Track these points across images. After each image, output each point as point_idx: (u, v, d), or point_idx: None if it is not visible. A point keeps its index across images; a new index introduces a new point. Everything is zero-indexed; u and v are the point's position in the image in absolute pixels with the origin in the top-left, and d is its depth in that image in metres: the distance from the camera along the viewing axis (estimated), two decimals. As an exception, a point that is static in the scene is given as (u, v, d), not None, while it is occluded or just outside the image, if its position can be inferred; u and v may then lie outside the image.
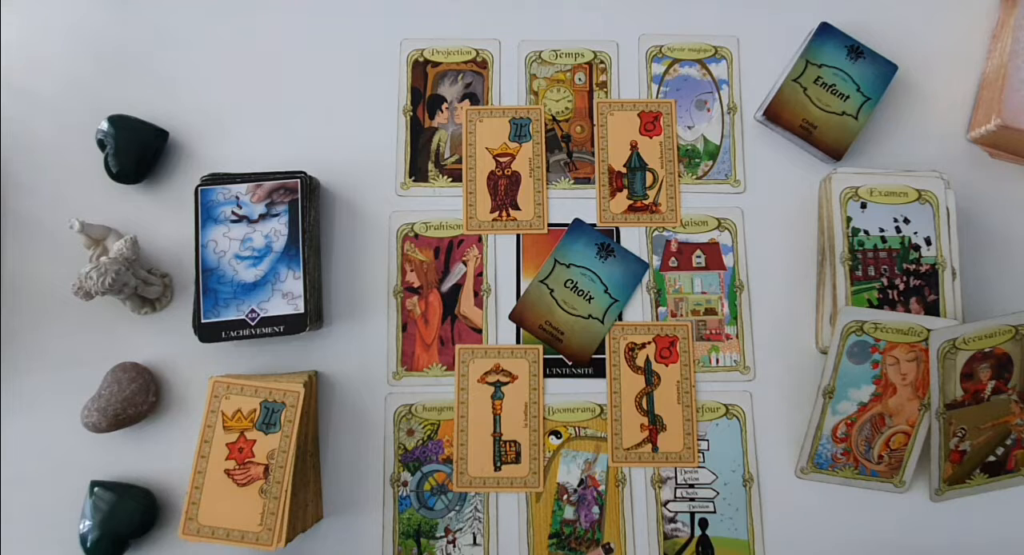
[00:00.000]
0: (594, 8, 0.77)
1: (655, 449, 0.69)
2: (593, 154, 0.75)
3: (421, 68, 0.76)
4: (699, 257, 0.73)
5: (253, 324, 0.66)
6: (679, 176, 0.74)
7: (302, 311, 0.66)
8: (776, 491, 0.69)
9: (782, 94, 0.73)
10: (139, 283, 0.67)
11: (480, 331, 0.71)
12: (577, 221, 0.73)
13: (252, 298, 0.66)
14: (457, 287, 0.72)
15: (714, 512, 0.68)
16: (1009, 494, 0.68)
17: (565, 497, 0.68)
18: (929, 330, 0.65)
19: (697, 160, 0.75)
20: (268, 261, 0.67)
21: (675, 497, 0.68)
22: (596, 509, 0.68)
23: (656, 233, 0.73)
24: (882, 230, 0.69)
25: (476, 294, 0.72)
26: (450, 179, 0.74)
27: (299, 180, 0.68)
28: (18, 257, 0.72)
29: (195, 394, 0.69)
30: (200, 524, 0.61)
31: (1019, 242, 0.73)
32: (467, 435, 0.69)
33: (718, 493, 0.68)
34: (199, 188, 0.68)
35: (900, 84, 0.75)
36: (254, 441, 0.63)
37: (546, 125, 0.75)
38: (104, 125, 0.71)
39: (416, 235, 0.73)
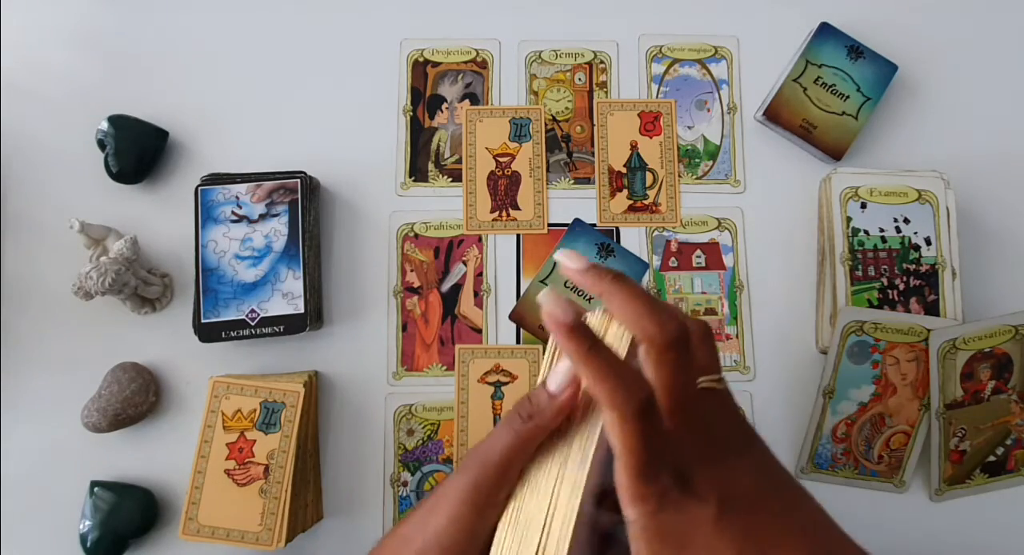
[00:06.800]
0: (594, 8, 0.77)
1: (655, 449, 0.69)
2: (593, 154, 0.74)
3: (421, 68, 0.76)
4: (699, 257, 0.73)
5: (253, 324, 0.66)
6: (679, 176, 0.74)
7: (302, 311, 0.66)
8: (776, 491, 0.68)
9: (782, 94, 0.73)
10: (139, 283, 0.66)
11: (480, 331, 0.71)
12: (577, 221, 0.73)
13: (252, 298, 0.66)
14: (457, 287, 0.72)
15: (714, 512, 0.68)
16: (1009, 494, 0.68)
17: (565, 497, 0.68)
18: (929, 330, 0.65)
19: (697, 160, 0.75)
20: (268, 261, 0.67)
21: (675, 497, 0.68)
22: (596, 509, 0.68)
23: (656, 233, 0.73)
24: (882, 230, 0.69)
25: (476, 294, 0.72)
26: (450, 179, 0.74)
27: (299, 180, 0.68)
28: (18, 257, 0.71)
29: (195, 394, 0.69)
30: (200, 524, 0.61)
31: (1019, 242, 0.73)
32: (467, 435, 0.69)
33: (718, 493, 0.68)
34: (199, 188, 0.68)
35: (900, 84, 0.75)
36: (254, 441, 0.63)
37: (546, 125, 0.75)
38: (104, 125, 0.71)
39: (416, 235, 0.73)
